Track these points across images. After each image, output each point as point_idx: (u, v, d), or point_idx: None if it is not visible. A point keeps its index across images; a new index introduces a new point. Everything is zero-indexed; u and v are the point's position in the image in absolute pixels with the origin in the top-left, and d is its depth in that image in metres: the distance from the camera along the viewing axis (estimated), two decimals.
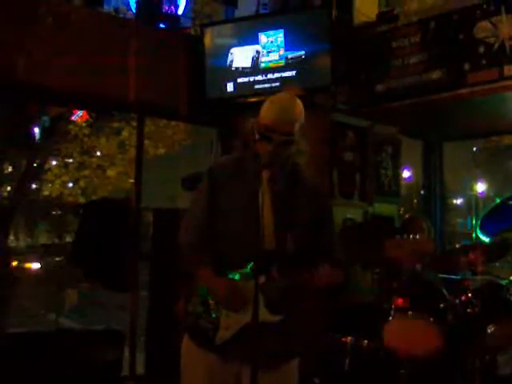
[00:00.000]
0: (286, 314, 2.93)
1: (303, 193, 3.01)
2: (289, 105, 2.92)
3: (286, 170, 2.98)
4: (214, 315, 2.89)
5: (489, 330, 4.47)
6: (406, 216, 6.10)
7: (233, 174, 3.01)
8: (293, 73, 5.80)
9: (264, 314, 2.80)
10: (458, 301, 4.67)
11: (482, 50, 5.37)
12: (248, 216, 2.81)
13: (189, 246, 3.00)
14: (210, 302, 2.90)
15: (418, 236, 5.11)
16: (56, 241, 26.55)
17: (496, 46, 5.27)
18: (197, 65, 6.08)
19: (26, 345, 5.01)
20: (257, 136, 2.90)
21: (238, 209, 2.92)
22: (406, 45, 5.91)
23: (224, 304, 2.85)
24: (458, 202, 27.12)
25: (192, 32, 6.58)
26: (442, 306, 4.66)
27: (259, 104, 5.82)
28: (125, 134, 16.12)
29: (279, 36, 5.83)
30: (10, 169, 19.34)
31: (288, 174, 3.00)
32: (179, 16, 6.70)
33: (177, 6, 6.66)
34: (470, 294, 4.65)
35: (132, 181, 7.98)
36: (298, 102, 2.94)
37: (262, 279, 2.83)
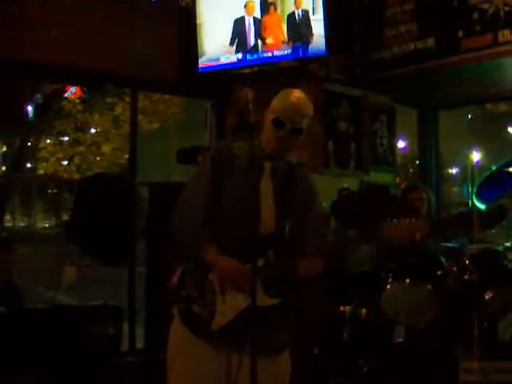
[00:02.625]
0: (283, 298, 2.94)
1: (298, 185, 3.08)
2: (301, 99, 3.03)
3: (285, 163, 3.06)
4: (209, 301, 2.86)
5: (486, 297, 4.48)
6: (402, 185, 6.08)
7: (234, 161, 3.01)
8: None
9: (261, 298, 2.80)
10: (455, 268, 4.68)
11: (475, 16, 5.33)
12: (249, 202, 2.81)
13: (192, 226, 2.94)
14: (206, 286, 2.88)
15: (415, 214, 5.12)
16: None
17: (490, 11, 5.23)
18: (189, 37, 6.03)
19: (25, 322, 5.03)
20: (269, 124, 2.97)
21: (239, 195, 2.91)
22: (399, 12, 5.87)
23: (230, 283, 2.84)
24: (454, 171, 27.09)
25: (183, 3, 6.51)
26: (439, 273, 4.67)
27: (252, 75, 5.79)
28: (118, 109, 16.09)
29: None
30: (4, 148, 19.30)
31: (286, 167, 3.07)
32: None
33: None
34: (467, 261, 4.65)
35: (127, 156, 7.94)
36: (309, 100, 3.06)
37: (260, 262, 2.84)
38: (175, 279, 2.97)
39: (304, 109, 3.00)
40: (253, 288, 2.63)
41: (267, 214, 2.90)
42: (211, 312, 2.85)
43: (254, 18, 5.81)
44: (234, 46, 5.90)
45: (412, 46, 5.76)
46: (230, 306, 2.84)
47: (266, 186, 2.93)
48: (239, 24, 5.88)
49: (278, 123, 2.93)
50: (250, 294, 2.64)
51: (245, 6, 5.84)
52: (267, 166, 2.97)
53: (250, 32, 5.83)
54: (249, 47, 5.83)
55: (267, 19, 5.76)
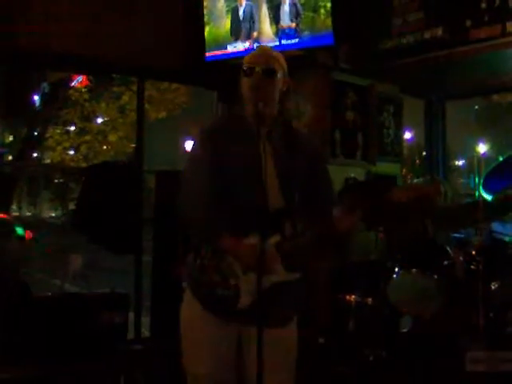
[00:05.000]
0: (302, 271, 2.92)
1: (300, 148, 3.03)
2: (268, 48, 3.16)
3: (280, 126, 3.01)
4: (233, 282, 2.85)
5: (492, 287, 4.48)
6: (409, 176, 6.07)
7: (228, 135, 2.97)
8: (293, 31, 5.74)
9: (282, 274, 2.80)
10: (461, 258, 4.67)
11: (484, 5, 5.30)
12: (251, 176, 2.80)
13: (202, 212, 2.89)
14: (225, 269, 2.86)
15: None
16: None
17: (498, 1, 5.21)
18: (196, 25, 6.02)
19: (32, 310, 5.04)
20: (244, 84, 2.99)
21: (239, 170, 2.89)
22: (407, 2, 5.84)
23: (249, 266, 2.80)
24: (461, 163, 27.06)
25: None
26: (445, 263, 4.67)
27: None
28: (125, 98, 16.09)
29: None
30: (11, 137, 19.33)
31: (283, 131, 3.01)
32: None
33: None
34: (473, 251, 4.65)
35: (134, 145, 7.93)
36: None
37: (277, 238, 2.83)
38: (188, 267, 2.96)
39: (271, 51, 3.01)
40: (260, 264, 2.62)
41: (270, 181, 2.81)
42: (236, 293, 2.83)
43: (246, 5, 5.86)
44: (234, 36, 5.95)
45: (420, 35, 5.74)
46: (253, 285, 2.76)
47: (265, 154, 2.81)
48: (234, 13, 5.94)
49: (248, 70, 2.94)
50: (257, 269, 2.64)
51: None
52: (262, 131, 2.88)
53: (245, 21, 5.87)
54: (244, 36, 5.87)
55: None
